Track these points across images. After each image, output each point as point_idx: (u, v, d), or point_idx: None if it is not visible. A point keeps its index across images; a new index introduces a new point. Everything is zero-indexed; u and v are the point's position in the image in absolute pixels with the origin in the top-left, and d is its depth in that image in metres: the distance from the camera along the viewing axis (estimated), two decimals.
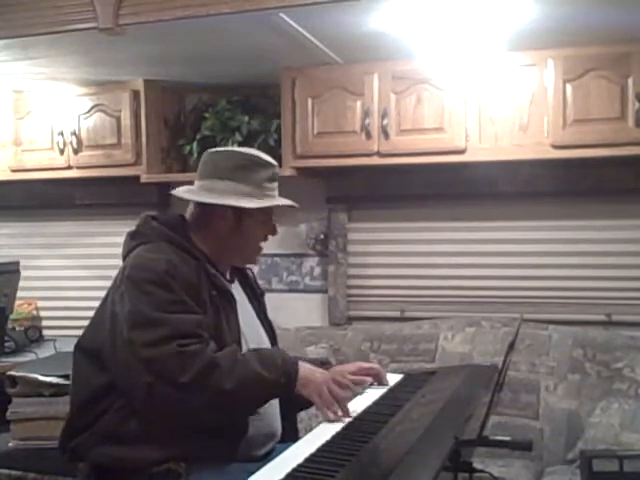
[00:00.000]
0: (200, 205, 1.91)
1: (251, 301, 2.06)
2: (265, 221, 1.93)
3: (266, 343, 2.02)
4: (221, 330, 1.80)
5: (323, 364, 2.16)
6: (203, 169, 1.94)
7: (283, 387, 1.76)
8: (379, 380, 2.06)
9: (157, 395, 1.67)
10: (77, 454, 1.81)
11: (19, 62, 3.16)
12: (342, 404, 1.76)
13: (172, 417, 1.70)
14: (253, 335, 1.95)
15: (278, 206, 1.94)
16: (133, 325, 1.70)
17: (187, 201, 1.96)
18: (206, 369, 1.67)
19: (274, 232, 1.97)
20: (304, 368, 1.79)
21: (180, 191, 1.93)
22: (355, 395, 1.91)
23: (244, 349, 1.84)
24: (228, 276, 1.98)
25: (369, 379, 2.03)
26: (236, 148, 2.01)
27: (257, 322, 2.04)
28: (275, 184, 1.94)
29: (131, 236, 1.90)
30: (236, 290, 1.98)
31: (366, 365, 2.09)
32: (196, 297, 1.76)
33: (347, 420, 1.72)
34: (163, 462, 1.70)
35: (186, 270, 1.77)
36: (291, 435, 1.96)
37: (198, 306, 1.76)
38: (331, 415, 1.73)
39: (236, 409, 1.73)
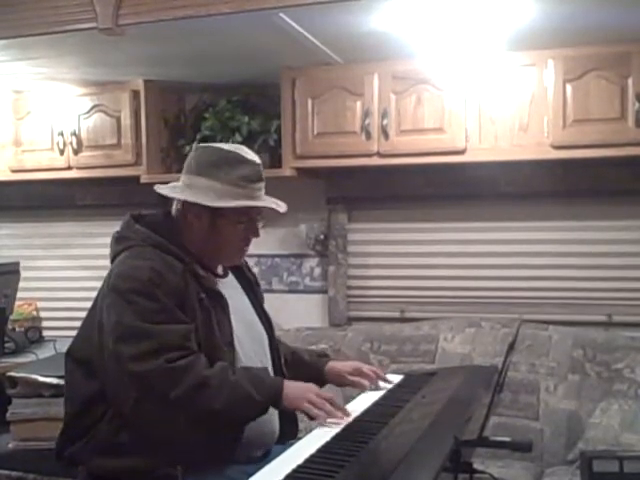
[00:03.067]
0: (181, 202, 1.88)
1: (246, 292, 2.03)
2: (244, 221, 1.85)
3: (263, 336, 2.00)
4: (212, 333, 1.77)
5: (320, 356, 2.17)
6: (187, 165, 1.89)
7: (270, 405, 1.76)
8: (375, 384, 2.07)
9: (143, 410, 1.67)
10: (73, 462, 1.81)
11: (19, 62, 3.16)
12: (335, 404, 1.76)
13: (161, 429, 1.69)
14: (248, 331, 1.93)
15: (256, 207, 1.86)
16: (119, 337, 1.69)
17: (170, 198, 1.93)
18: (196, 388, 1.65)
19: (255, 234, 1.89)
20: (288, 384, 1.79)
21: (162, 187, 1.90)
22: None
23: (237, 350, 1.83)
24: (220, 270, 1.95)
25: (367, 383, 2.04)
26: (223, 145, 1.93)
27: (253, 315, 2.01)
28: (259, 184, 1.85)
29: (116, 240, 1.87)
30: (230, 283, 1.96)
31: (365, 369, 2.09)
32: (183, 304, 1.73)
33: (344, 421, 1.72)
34: (159, 468, 1.69)
35: (171, 277, 1.73)
36: (291, 432, 1.96)
37: (185, 313, 1.73)
38: (325, 417, 1.72)
39: (223, 427, 1.72)
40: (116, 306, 1.71)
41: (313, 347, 3.33)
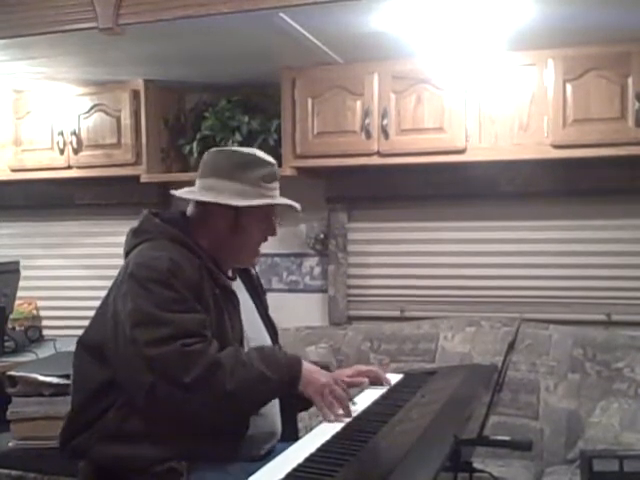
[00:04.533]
0: (199, 204, 1.91)
1: (253, 299, 2.06)
2: (264, 220, 1.92)
3: (268, 342, 2.02)
4: (224, 329, 1.80)
5: (324, 368, 2.17)
6: (204, 168, 1.94)
7: (287, 386, 1.77)
8: (378, 381, 2.08)
9: (159, 394, 1.67)
10: (78, 452, 1.81)
11: (19, 62, 3.17)
12: (343, 404, 1.77)
13: (174, 416, 1.70)
14: (255, 333, 1.95)
15: (276, 205, 1.92)
16: (136, 323, 1.70)
17: (187, 200, 1.96)
18: (209, 369, 1.67)
19: (274, 232, 1.96)
20: (307, 368, 1.80)
21: (180, 191, 1.94)
22: (352, 398, 1.92)
23: (246, 348, 1.85)
24: (230, 274, 1.97)
25: (366, 380, 2.05)
26: (237, 148, 2.00)
27: (259, 320, 2.04)
28: (275, 184, 1.92)
29: (134, 233, 1.90)
30: (238, 288, 1.98)
31: (364, 368, 2.11)
32: (199, 296, 1.76)
33: (347, 420, 1.72)
34: (164, 461, 1.70)
35: (189, 269, 1.76)
36: (291, 434, 1.96)
37: (201, 305, 1.76)
38: (331, 416, 1.74)
39: (239, 409, 1.74)
40: (133, 294, 1.73)
41: (313, 347, 3.34)
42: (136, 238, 1.88)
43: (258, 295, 2.09)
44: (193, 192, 1.93)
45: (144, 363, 1.67)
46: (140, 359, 1.68)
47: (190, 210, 1.95)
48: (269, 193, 1.90)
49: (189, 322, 1.71)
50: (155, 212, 1.94)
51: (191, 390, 1.66)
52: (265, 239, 1.96)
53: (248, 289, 2.06)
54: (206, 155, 1.98)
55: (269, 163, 1.92)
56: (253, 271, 2.12)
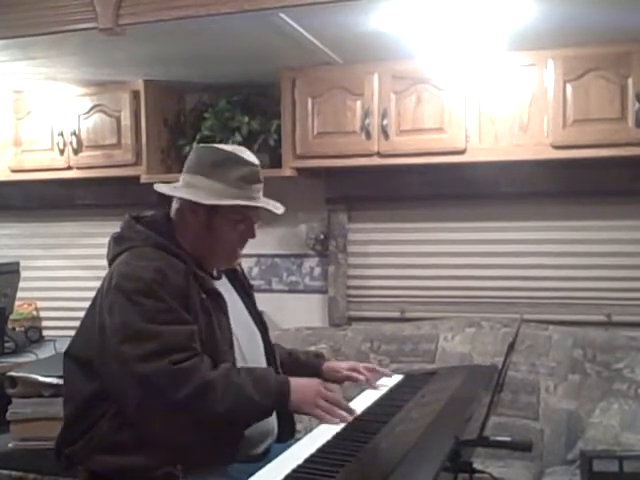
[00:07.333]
0: (180, 200, 1.89)
1: (241, 296, 2.04)
2: (241, 221, 1.87)
3: (258, 337, 2.01)
4: (213, 334, 1.78)
5: (317, 357, 2.18)
6: (188, 164, 1.91)
7: (276, 410, 1.78)
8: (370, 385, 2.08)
9: (147, 410, 1.66)
10: (73, 461, 1.81)
11: (19, 62, 3.16)
12: (341, 405, 1.76)
13: (163, 429, 1.69)
14: (245, 332, 1.94)
15: (256, 208, 1.87)
16: (124, 338, 1.68)
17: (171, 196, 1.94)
18: (200, 390, 1.65)
19: (252, 235, 1.90)
20: (295, 389, 1.76)
21: (162, 187, 1.92)
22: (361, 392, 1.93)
23: (236, 350, 1.84)
24: (215, 273, 1.95)
25: (362, 377, 2.06)
26: (223, 145, 1.95)
27: (248, 317, 2.02)
28: (257, 186, 1.87)
29: (115, 240, 1.87)
30: (224, 286, 1.96)
31: (360, 365, 2.12)
32: (186, 304, 1.74)
33: (351, 418, 1.73)
34: (160, 467, 1.69)
35: (175, 277, 1.74)
36: (288, 433, 1.96)
37: (188, 313, 1.73)
38: (337, 420, 1.72)
39: (225, 429, 1.72)
40: (120, 307, 1.70)
41: (313, 347, 3.33)
42: (118, 246, 1.84)
43: (245, 291, 2.06)
44: (174, 188, 1.90)
45: (133, 379, 1.66)
46: (129, 375, 1.66)
47: (173, 208, 1.92)
48: (248, 194, 1.84)
49: (178, 335, 1.69)
50: (136, 216, 1.91)
51: (180, 408, 1.64)
52: (243, 241, 1.91)
53: (235, 286, 2.04)
54: (193, 149, 1.95)
55: (250, 163, 1.86)
56: (238, 268, 2.08)
